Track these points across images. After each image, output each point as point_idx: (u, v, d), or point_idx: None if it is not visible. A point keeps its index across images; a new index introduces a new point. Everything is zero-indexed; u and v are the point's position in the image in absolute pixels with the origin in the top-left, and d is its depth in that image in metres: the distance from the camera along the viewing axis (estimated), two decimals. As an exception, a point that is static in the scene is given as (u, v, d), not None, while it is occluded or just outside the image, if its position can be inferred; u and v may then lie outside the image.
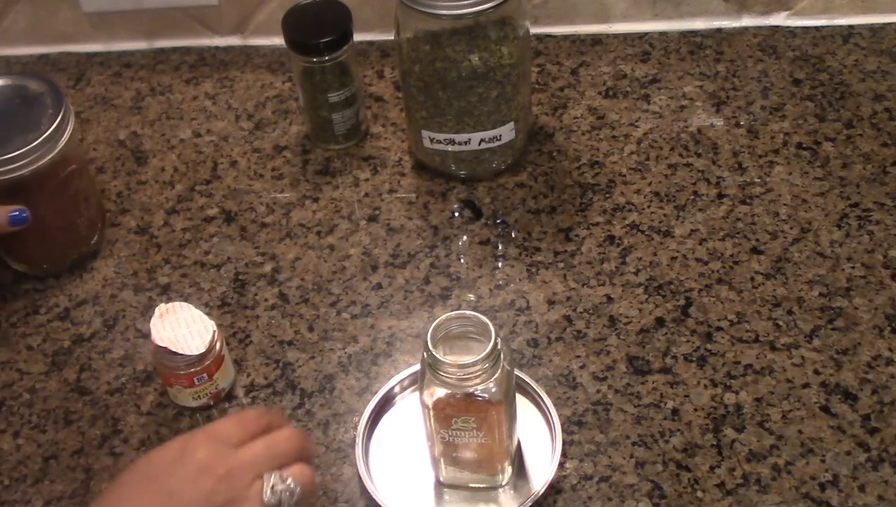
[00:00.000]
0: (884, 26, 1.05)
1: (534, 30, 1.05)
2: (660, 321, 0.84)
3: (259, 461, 0.65)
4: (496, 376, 0.68)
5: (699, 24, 1.07)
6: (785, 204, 0.91)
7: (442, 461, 0.74)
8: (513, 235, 0.91)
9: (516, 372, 0.77)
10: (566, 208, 0.93)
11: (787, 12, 1.06)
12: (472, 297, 0.87)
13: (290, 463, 0.66)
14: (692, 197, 0.93)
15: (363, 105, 1.00)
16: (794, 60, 1.03)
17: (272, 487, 0.64)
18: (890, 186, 0.92)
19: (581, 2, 1.06)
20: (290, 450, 0.67)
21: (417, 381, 0.71)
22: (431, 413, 0.70)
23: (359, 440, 0.78)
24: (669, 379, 0.81)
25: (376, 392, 0.81)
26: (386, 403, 0.81)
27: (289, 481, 0.65)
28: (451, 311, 0.71)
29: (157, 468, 0.64)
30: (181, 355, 0.78)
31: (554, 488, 0.75)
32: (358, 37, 0.96)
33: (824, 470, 0.75)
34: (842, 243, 0.88)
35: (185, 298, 0.89)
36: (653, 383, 0.80)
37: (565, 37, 1.08)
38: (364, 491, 0.76)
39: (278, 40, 1.06)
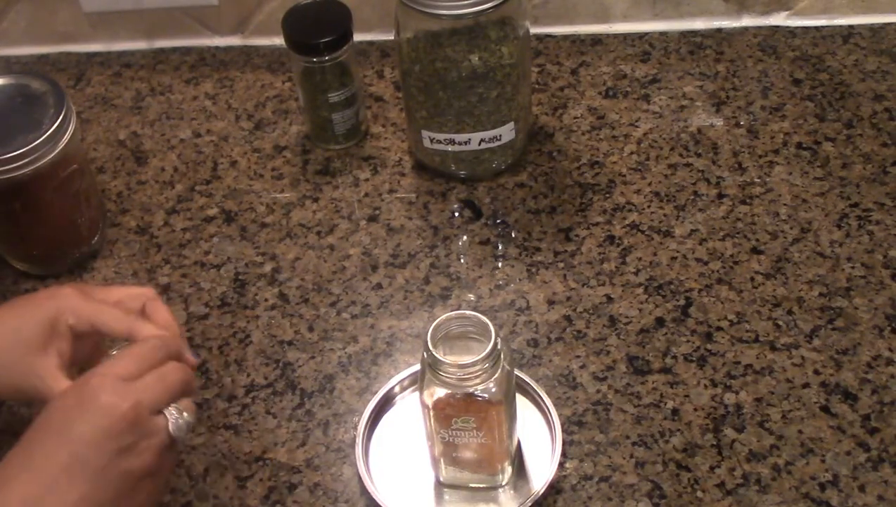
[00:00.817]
0: (884, 26, 1.05)
1: (534, 30, 1.05)
2: (660, 321, 0.84)
3: (158, 397, 0.65)
4: (496, 376, 0.68)
5: (699, 24, 1.07)
6: (785, 204, 0.91)
7: (442, 461, 0.74)
8: (513, 235, 0.91)
9: (516, 372, 0.77)
10: (566, 208, 0.93)
11: (787, 12, 1.06)
12: (472, 297, 0.87)
13: (181, 395, 0.66)
14: (692, 197, 0.93)
15: (363, 105, 1.00)
16: (794, 60, 1.03)
17: (176, 420, 0.64)
18: (890, 186, 0.92)
19: (581, 2, 1.06)
20: (180, 382, 0.67)
21: (417, 381, 0.71)
22: (431, 413, 0.70)
23: (359, 440, 0.78)
24: (669, 379, 0.81)
25: (376, 392, 0.81)
26: (386, 403, 0.81)
27: (185, 414, 0.65)
28: (451, 311, 0.71)
29: (60, 420, 0.63)
30: None
31: (554, 488, 0.75)
32: (358, 37, 0.96)
33: (824, 470, 0.75)
34: (842, 243, 0.88)
35: (185, 298, 0.89)
36: (653, 383, 0.80)
37: (565, 37, 1.08)
38: (364, 491, 0.76)
39: (278, 40, 1.06)
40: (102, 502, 0.62)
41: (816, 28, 1.06)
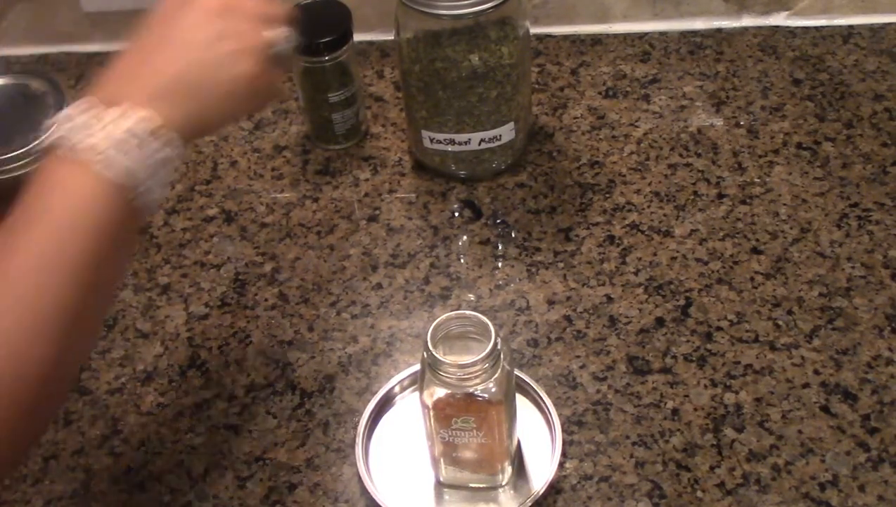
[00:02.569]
0: (884, 26, 1.05)
1: (534, 30, 1.05)
2: (660, 321, 0.84)
3: (260, 15, 0.67)
4: (496, 376, 0.68)
5: (699, 24, 1.07)
6: (785, 204, 0.91)
7: (442, 461, 0.74)
8: (513, 235, 0.91)
9: (516, 372, 0.77)
10: (566, 208, 0.93)
11: (787, 12, 1.06)
12: (472, 297, 0.87)
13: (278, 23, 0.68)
14: (692, 197, 0.93)
15: (363, 105, 1.00)
16: (794, 60, 1.03)
17: (278, 34, 0.66)
18: (890, 186, 0.92)
19: (581, 2, 1.06)
20: (279, 11, 0.69)
21: (417, 381, 0.71)
22: (431, 413, 0.70)
23: (359, 440, 0.78)
24: (669, 379, 0.81)
25: (376, 392, 0.81)
26: (386, 403, 0.81)
27: (288, 34, 0.67)
28: (451, 311, 0.71)
29: (164, 16, 0.65)
30: None
31: (554, 488, 0.75)
32: (358, 37, 0.96)
33: (824, 470, 0.75)
34: (842, 243, 0.88)
35: (185, 298, 0.89)
36: (653, 383, 0.80)
37: (565, 37, 1.08)
38: (364, 491, 0.76)
39: (278, 40, 1.05)
40: (202, 79, 0.64)
41: (816, 28, 1.06)
